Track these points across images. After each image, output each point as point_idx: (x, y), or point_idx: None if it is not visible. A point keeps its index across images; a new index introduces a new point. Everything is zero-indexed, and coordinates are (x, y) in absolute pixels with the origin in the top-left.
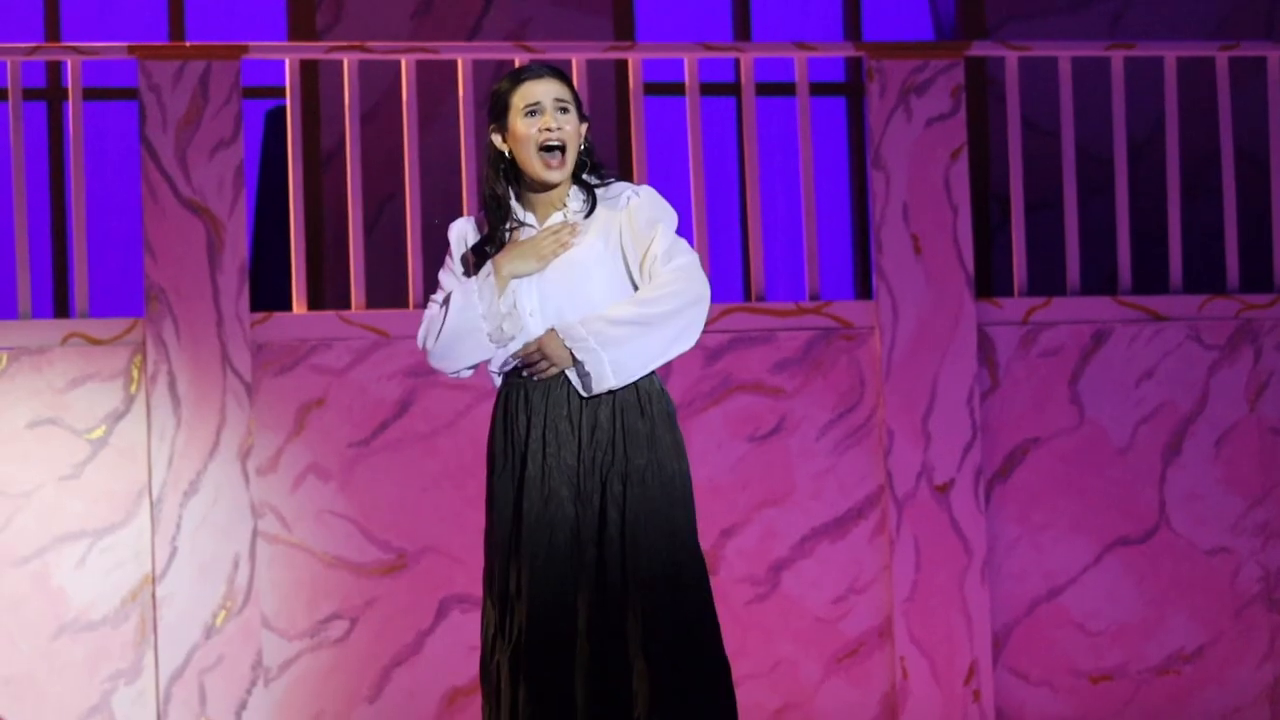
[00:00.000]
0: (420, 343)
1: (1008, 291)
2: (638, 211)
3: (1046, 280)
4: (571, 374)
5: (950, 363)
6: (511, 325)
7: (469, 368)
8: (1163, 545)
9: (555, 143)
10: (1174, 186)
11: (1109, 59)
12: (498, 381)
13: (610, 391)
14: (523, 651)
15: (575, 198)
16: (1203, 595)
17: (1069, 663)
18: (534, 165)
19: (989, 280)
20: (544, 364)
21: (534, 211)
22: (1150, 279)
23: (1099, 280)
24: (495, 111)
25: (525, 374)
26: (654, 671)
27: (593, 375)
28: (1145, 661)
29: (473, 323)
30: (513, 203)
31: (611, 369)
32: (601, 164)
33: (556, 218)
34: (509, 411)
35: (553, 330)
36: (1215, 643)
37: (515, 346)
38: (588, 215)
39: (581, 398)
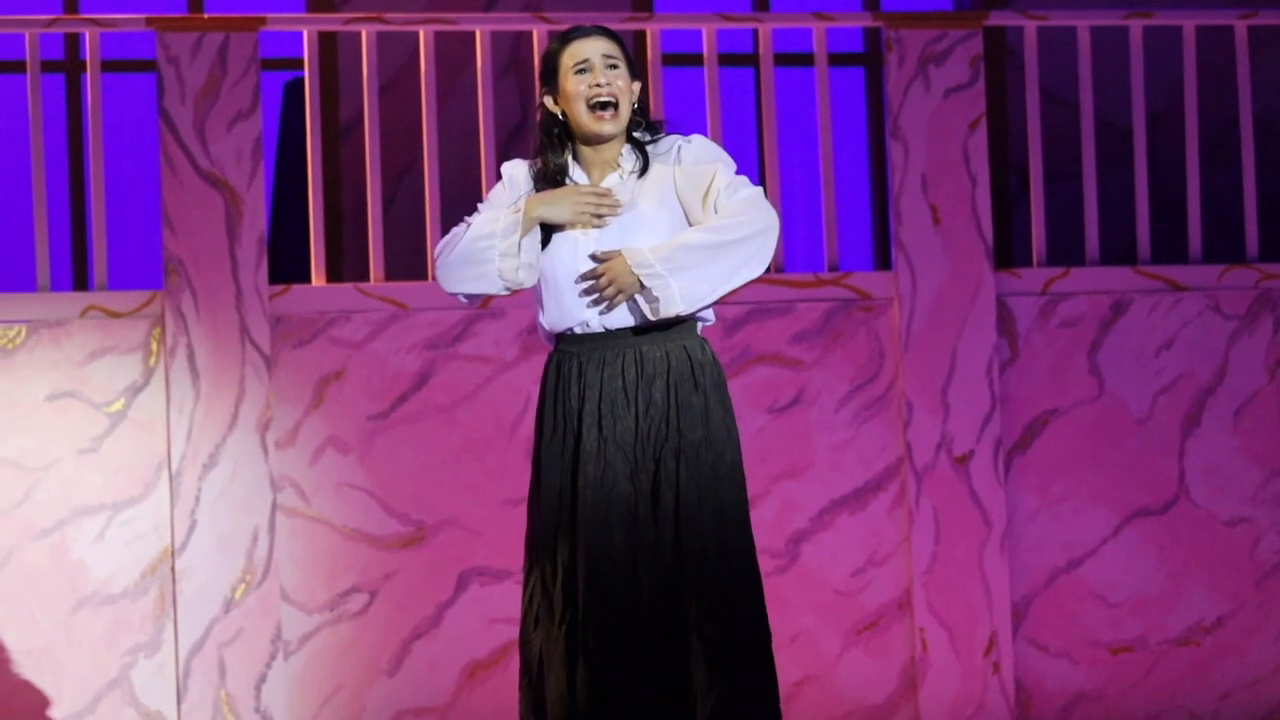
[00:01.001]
0: (436, 253)
1: (1027, 262)
2: (689, 158)
3: (1065, 251)
4: (640, 299)
5: (969, 334)
6: (527, 274)
7: (466, 296)
8: (1182, 516)
9: (605, 99)
10: (1193, 156)
11: (1128, 28)
12: (549, 343)
13: (666, 363)
14: (581, 627)
15: (628, 157)
16: (1222, 566)
17: (1088, 634)
18: (585, 120)
19: (1008, 251)
20: (610, 289)
21: (588, 173)
22: (1169, 249)
23: (1118, 250)
24: (546, 74)
25: (590, 302)
26: (709, 651)
27: (661, 300)
28: (1165, 633)
29: (485, 253)
30: (570, 160)
31: (680, 295)
32: (657, 120)
33: (612, 179)
34: (561, 380)
35: (621, 255)
36: (1235, 614)
37: (571, 304)
38: (642, 174)
39: (636, 371)
